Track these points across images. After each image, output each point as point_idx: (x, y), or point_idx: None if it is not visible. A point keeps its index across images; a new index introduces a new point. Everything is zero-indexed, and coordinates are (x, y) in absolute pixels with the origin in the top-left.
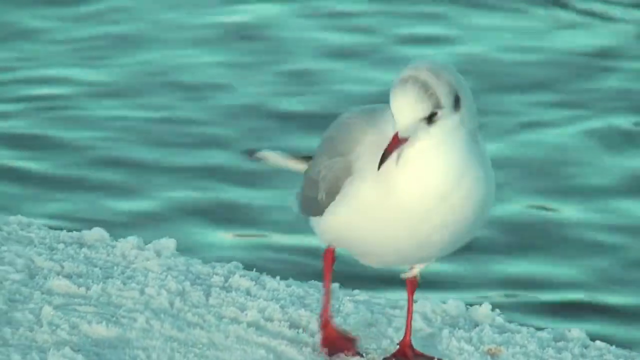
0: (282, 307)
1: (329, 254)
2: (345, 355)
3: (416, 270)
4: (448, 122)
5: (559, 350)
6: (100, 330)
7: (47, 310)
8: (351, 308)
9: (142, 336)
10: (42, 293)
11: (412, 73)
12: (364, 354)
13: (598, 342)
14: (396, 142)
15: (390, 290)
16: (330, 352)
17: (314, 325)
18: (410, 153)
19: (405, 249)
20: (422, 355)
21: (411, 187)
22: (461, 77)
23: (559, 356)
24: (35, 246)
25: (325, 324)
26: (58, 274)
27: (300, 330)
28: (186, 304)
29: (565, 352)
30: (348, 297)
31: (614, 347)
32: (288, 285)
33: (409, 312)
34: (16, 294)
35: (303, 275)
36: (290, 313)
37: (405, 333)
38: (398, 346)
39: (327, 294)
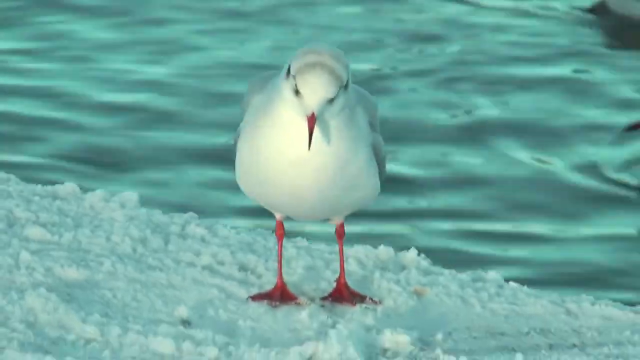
0: (232, 252)
1: (278, 225)
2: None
3: (336, 221)
4: (341, 100)
5: (477, 290)
6: (72, 273)
7: (25, 255)
8: (293, 253)
9: (108, 278)
10: (20, 240)
11: (318, 59)
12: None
13: (511, 283)
14: (311, 121)
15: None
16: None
17: (260, 268)
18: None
19: (287, 205)
20: (356, 294)
21: (270, 151)
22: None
23: (477, 295)
24: (13, 199)
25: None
26: (34, 223)
27: (249, 273)
28: (147, 249)
29: (482, 291)
30: (291, 244)
31: (525, 287)
32: (237, 233)
33: (341, 255)
34: None
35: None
36: (239, 257)
37: (340, 274)
38: (334, 286)
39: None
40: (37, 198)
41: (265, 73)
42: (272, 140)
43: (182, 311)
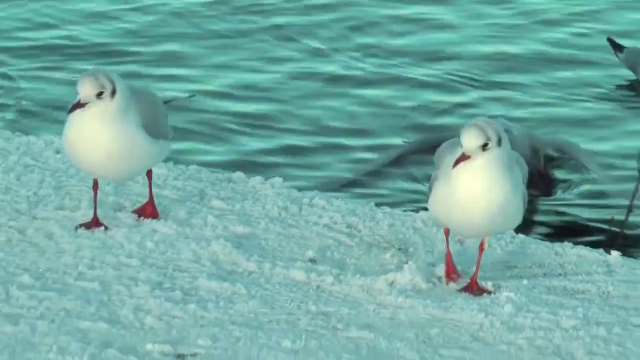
0: (342, 215)
1: (446, 230)
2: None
3: (485, 239)
4: (494, 151)
5: (498, 239)
6: (240, 229)
7: (210, 218)
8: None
9: (263, 233)
10: (207, 208)
11: (475, 123)
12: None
13: (520, 235)
14: (463, 157)
15: None
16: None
17: (360, 226)
18: (468, 165)
19: (464, 226)
20: (482, 289)
21: (462, 190)
22: (504, 130)
23: (498, 242)
24: (203, 182)
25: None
26: (216, 198)
27: (353, 229)
28: (288, 214)
29: (501, 240)
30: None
31: (530, 236)
32: (345, 203)
33: (478, 262)
34: (192, 210)
35: None
36: (347, 219)
37: (475, 273)
38: (469, 281)
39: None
40: (218, 181)
41: (452, 139)
42: (459, 181)
43: (310, 253)
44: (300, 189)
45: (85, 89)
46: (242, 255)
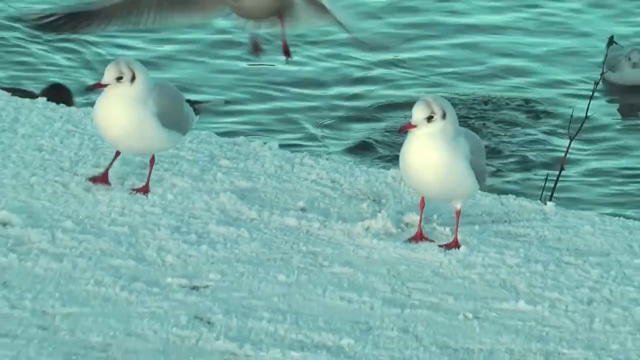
0: (327, 172)
1: (421, 202)
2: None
3: (455, 205)
4: (438, 123)
5: None
6: (243, 184)
7: (219, 174)
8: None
9: (263, 187)
10: (216, 166)
11: (423, 98)
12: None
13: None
14: (409, 125)
15: None
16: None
17: (343, 181)
18: (414, 135)
19: (421, 188)
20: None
21: (411, 155)
22: (449, 104)
23: None
24: (212, 145)
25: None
26: (224, 158)
27: (336, 184)
28: (282, 172)
29: None
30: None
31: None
32: (330, 163)
33: (457, 225)
34: (204, 168)
35: None
36: (332, 175)
37: (455, 233)
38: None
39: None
40: (225, 144)
41: None
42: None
43: (301, 204)
44: (292, 150)
45: (108, 73)
46: (245, 205)
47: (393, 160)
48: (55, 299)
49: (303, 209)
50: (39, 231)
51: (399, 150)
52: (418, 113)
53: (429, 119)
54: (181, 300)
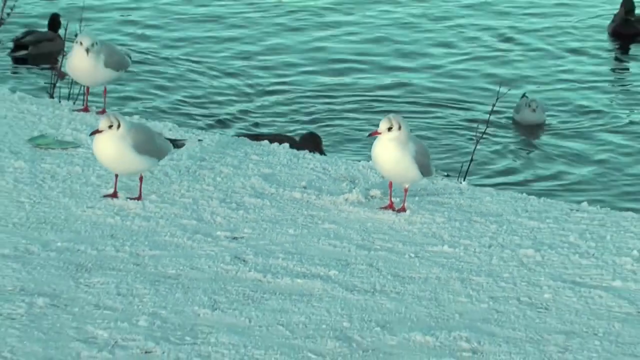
0: (320, 163)
1: (390, 184)
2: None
3: (406, 186)
4: (395, 133)
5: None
6: (266, 170)
7: (250, 164)
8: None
9: (279, 172)
10: (248, 159)
11: (387, 116)
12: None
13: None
14: (375, 133)
15: None
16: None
17: (330, 169)
18: (379, 139)
19: (384, 173)
20: (394, 208)
21: (375, 152)
22: (405, 120)
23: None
24: (246, 146)
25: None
26: (253, 154)
27: (326, 170)
28: (292, 162)
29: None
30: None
31: None
32: (322, 157)
33: (404, 197)
34: (240, 160)
35: None
36: (323, 165)
37: (403, 203)
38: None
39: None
40: (254, 145)
41: None
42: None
43: (303, 183)
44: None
45: (102, 123)
46: (267, 184)
47: (364, 154)
48: (144, 245)
49: (305, 187)
50: (134, 201)
51: (369, 148)
52: (382, 125)
53: (389, 129)
54: (226, 246)
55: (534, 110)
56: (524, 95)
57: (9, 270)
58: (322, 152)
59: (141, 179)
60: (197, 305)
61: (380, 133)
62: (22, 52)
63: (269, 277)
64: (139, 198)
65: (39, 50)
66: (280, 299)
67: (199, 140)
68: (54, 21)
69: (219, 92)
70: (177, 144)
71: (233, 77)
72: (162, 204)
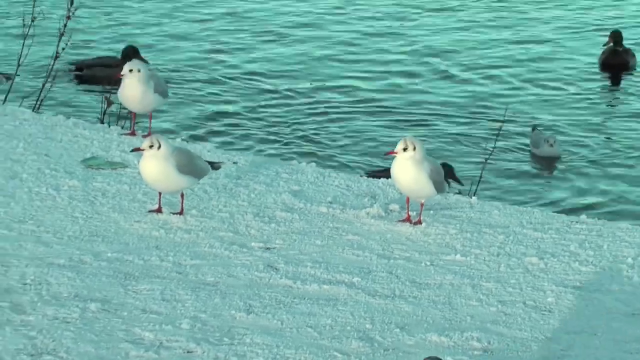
0: (344, 180)
1: (407, 199)
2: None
3: (422, 201)
4: (410, 153)
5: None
6: (295, 187)
7: (281, 182)
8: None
9: (307, 189)
10: (279, 178)
11: (403, 138)
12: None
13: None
14: (391, 152)
15: None
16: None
17: (353, 185)
18: (396, 159)
19: (402, 189)
20: (413, 222)
21: (393, 170)
22: (420, 142)
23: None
24: (276, 165)
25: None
26: (283, 173)
27: (349, 187)
28: (318, 180)
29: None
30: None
31: None
32: (345, 175)
33: (420, 211)
34: (272, 178)
35: None
36: (346, 182)
37: (420, 216)
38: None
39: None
40: (285, 164)
41: None
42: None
43: (329, 199)
44: (324, 167)
45: (144, 142)
46: (296, 200)
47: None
48: (186, 255)
49: (330, 202)
50: (176, 216)
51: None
52: (399, 145)
53: (405, 149)
54: (259, 255)
55: (551, 145)
56: (534, 128)
57: (64, 279)
58: (458, 181)
59: (182, 196)
60: (234, 309)
61: (396, 153)
62: (76, 72)
63: (298, 284)
64: (180, 213)
65: (94, 73)
66: (308, 304)
67: (234, 162)
68: (130, 52)
69: (253, 111)
70: (214, 166)
71: (266, 93)
72: (202, 218)
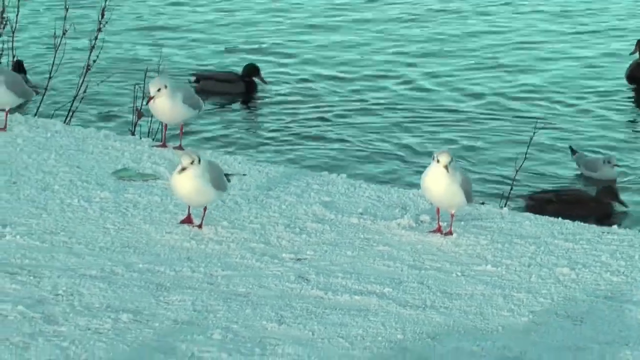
0: (374, 192)
1: (437, 210)
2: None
3: (453, 211)
4: (452, 164)
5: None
6: (326, 198)
7: (312, 193)
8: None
9: (338, 200)
10: (310, 188)
11: (445, 151)
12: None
13: None
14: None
15: None
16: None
17: (384, 197)
18: (430, 170)
19: (433, 199)
20: (443, 232)
21: (426, 180)
22: (452, 156)
23: None
24: (308, 177)
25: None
26: (314, 184)
27: (380, 198)
28: (349, 191)
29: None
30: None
31: None
32: (376, 186)
33: (451, 221)
34: (303, 190)
35: None
36: (377, 193)
37: (450, 225)
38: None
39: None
40: (315, 176)
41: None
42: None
43: (360, 210)
44: (353, 178)
45: (184, 160)
46: (327, 211)
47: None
48: (217, 266)
49: (361, 213)
50: (207, 227)
51: (418, 178)
52: (443, 159)
53: (438, 161)
54: (291, 266)
55: (613, 167)
56: (574, 152)
57: (96, 290)
58: (622, 202)
59: (205, 209)
60: (265, 320)
61: (439, 163)
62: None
63: (329, 294)
64: (200, 226)
65: (211, 87)
66: (340, 314)
67: (243, 174)
68: (251, 70)
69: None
70: (228, 178)
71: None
72: (233, 229)
